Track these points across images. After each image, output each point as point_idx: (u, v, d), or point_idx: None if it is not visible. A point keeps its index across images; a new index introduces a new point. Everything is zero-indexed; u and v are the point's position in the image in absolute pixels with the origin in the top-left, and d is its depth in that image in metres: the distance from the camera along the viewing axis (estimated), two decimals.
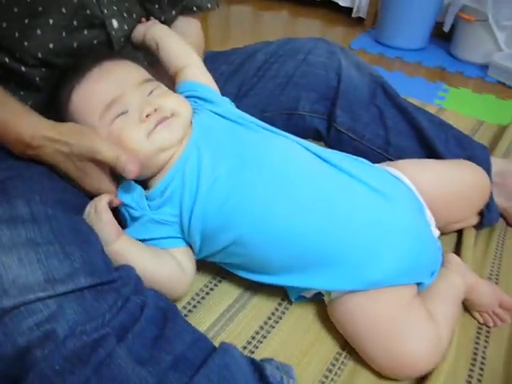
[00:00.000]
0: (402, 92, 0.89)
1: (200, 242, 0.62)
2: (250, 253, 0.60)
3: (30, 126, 0.56)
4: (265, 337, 0.64)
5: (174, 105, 0.61)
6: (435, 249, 0.66)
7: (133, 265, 0.55)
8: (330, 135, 0.85)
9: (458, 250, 0.78)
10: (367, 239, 0.59)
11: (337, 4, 2.02)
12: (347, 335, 0.61)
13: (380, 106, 0.83)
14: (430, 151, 0.80)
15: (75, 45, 0.63)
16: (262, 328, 0.65)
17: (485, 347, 0.64)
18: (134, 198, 0.61)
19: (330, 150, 0.68)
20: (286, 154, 0.64)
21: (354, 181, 0.62)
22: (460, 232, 0.82)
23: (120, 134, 0.58)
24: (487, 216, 0.80)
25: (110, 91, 0.60)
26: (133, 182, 0.61)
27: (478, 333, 0.66)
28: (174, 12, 0.77)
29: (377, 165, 0.70)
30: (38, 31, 0.60)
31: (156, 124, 0.59)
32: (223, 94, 0.72)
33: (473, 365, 0.62)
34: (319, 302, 0.67)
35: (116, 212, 0.60)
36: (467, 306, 0.68)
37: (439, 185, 0.70)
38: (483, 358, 0.63)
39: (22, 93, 0.65)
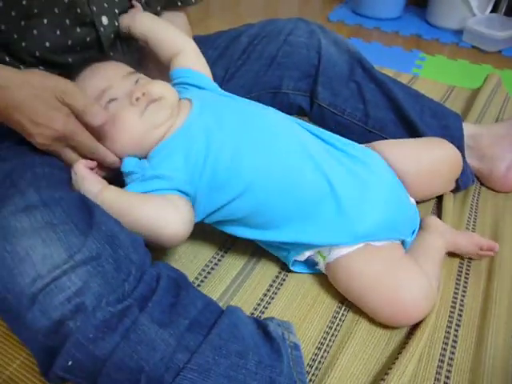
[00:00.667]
0: (381, 63, 0.90)
1: (207, 197, 0.63)
2: (256, 203, 0.64)
3: None
4: (269, 302, 0.70)
5: (160, 89, 0.65)
6: (413, 210, 0.73)
7: (124, 211, 0.57)
8: (313, 111, 0.89)
9: (438, 213, 0.85)
10: (353, 196, 0.65)
11: None
12: (348, 291, 0.67)
13: (358, 81, 0.87)
14: (405, 122, 0.85)
15: (69, 42, 0.66)
16: (265, 295, 0.71)
17: (464, 291, 0.72)
18: (133, 166, 0.63)
19: (314, 126, 0.74)
20: (278, 115, 0.70)
21: (340, 153, 0.69)
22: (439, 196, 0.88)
23: (114, 116, 0.61)
24: (463, 180, 0.87)
25: (98, 85, 0.64)
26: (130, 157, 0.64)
27: (459, 271, 0.75)
28: (159, 8, 0.79)
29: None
30: (35, 31, 0.62)
31: (146, 105, 0.62)
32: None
33: (453, 307, 0.70)
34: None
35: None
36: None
37: (413, 163, 0.76)
38: (462, 300, 0.71)
39: None
